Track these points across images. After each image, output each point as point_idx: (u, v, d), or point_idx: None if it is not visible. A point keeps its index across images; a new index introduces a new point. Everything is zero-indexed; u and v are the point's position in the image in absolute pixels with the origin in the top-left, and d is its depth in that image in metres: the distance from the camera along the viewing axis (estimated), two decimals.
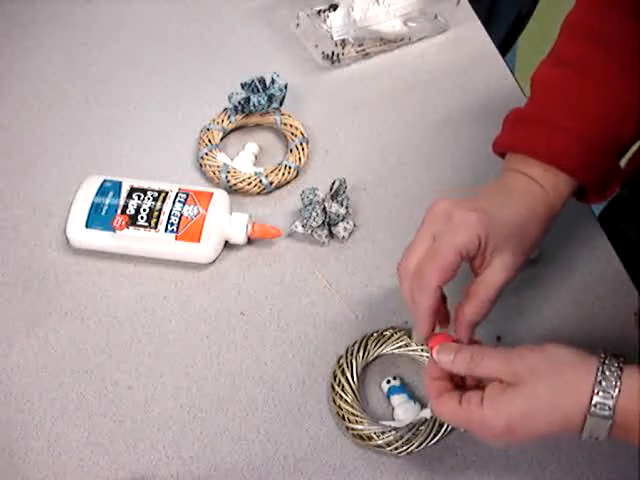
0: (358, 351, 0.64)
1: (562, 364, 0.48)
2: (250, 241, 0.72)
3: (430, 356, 0.54)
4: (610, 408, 0.45)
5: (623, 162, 0.64)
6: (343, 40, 0.86)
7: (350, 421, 0.60)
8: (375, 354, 0.64)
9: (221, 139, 0.79)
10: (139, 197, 0.70)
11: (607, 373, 0.46)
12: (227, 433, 0.61)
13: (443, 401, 0.51)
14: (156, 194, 0.70)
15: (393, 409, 0.62)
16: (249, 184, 0.75)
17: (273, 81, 0.78)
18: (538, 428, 0.47)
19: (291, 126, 0.79)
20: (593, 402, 0.45)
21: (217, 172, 0.75)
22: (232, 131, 0.81)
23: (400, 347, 0.64)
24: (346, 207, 0.71)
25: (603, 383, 0.45)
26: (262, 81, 0.78)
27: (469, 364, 0.51)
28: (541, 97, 0.62)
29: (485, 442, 0.50)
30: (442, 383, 0.53)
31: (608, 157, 0.59)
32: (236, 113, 0.79)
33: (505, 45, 1.21)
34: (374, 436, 0.59)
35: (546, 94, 0.61)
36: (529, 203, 0.57)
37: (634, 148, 0.67)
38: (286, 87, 0.78)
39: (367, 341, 0.64)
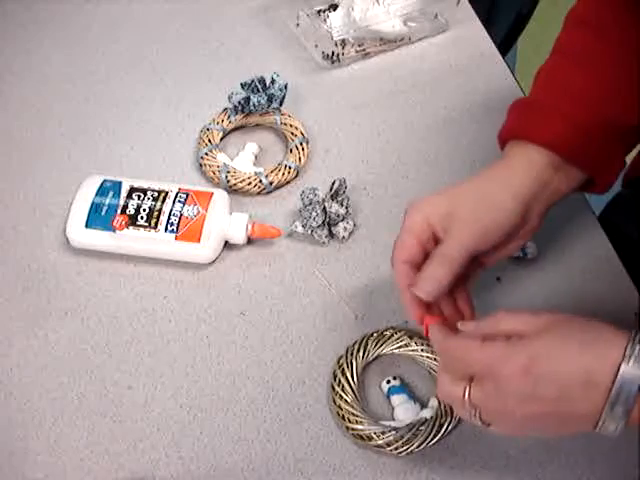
0: (358, 351, 0.64)
1: (597, 323, 0.47)
2: (250, 241, 0.72)
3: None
4: None
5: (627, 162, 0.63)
6: (343, 40, 0.86)
7: (350, 421, 0.60)
8: (375, 354, 0.64)
9: (221, 139, 0.79)
10: (139, 197, 0.70)
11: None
12: (227, 433, 0.61)
13: (462, 337, 0.51)
14: (156, 194, 0.70)
15: (393, 409, 0.62)
16: (249, 184, 0.75)
17: (273, 81, 0.78)
18: (559, 374, 0.45)
19: (291, 126, 0.79)
20: (627, 357, 0.44)
21: (217, 172, 0.75)
22: (232, 131, 0.81)
23: (400, 347, 0.64)
24: (346, 207, 0.71)
25: (636, 349, 0.44)
26: (262, 81, 0.78)
27: (496, 322, 0.50)
28: (537, 85, 0.63)
29: (497, 397, 0.47)
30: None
31: (598, 138, 0.58)
32: (236, 113, 0.79)
33: (505, 45, 1.21)
34: (374, 436, 0.59)
35: (540, 80, 0.62)
36: (493, 176, 0.57)
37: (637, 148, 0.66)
38: (286, 87, 0.78)
39: (367, 341, 0.64)
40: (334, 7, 0.87)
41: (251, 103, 0.77)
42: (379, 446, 0.59)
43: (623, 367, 0.44)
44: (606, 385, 0.44)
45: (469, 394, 0.49)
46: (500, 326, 0.49)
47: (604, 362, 0.44)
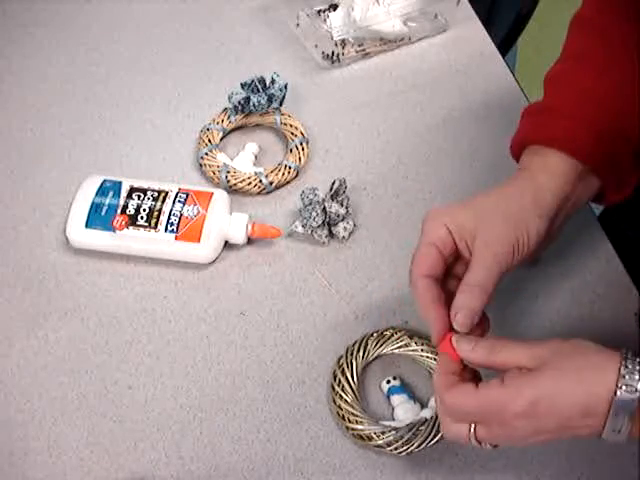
0: (358, 351, 0.64)
1: (586, 349, 0.48)
2: (250, 241, 0.72)
3: (441, 353, 0.53)
4: (637, 390, 0.44)
5: None
6: (343, 40, 0.86)
7: (350, 421, 0.60)
8: (375, 354, 0.64)
9: (221, 139, 0.79)
10: (139, 197, 0.70)
11: (629, 361, 0.45)
12: (227, 433, 0.61)
13: (456, 390, 0.50)
14: (156, 194, 0.70)
15: (393, 409, 0.62)
16: (249, 184, 0.75)
17: (273, 81, 0.78)
18: (562, 407, 0.46)
19: (291, 126, 0.79)
20: (620, 384, 0.44)
21: (217, 172, 0.75)
22: (232, 131, 0.81)
23: (400, 347, 0.64)
24: (346, 207, 0.71)
25: (629, 366, 0.45)
26: (262, 81, 0.78)
27: (489, 353, 0.50)
28: (547, 90, 0.62)
29: (504, 435, 0.49)
30: (454, 377, 0.51)
31: (617, 146, 0.57)
32: (236, 113, 0.79)
33: (505, 45, 1.21)
34: (374, 436, 0.59)
35: (551, 87, 0.62)
36: (520, 193, 0.56)
37: None
38: (286, 87, 0.78)
39: (367, 341, 0.64)
40: (334, 7, 0.87)
41: (251, 103, 0.77)
42: (379, 446, 0.59)
43: (618, 393, 0.44)
44: (603, 413, 0.45)
45: (475, 434, 0.50)
46: (497, 358, 0.50)
47: (600, 390, 0.45)
